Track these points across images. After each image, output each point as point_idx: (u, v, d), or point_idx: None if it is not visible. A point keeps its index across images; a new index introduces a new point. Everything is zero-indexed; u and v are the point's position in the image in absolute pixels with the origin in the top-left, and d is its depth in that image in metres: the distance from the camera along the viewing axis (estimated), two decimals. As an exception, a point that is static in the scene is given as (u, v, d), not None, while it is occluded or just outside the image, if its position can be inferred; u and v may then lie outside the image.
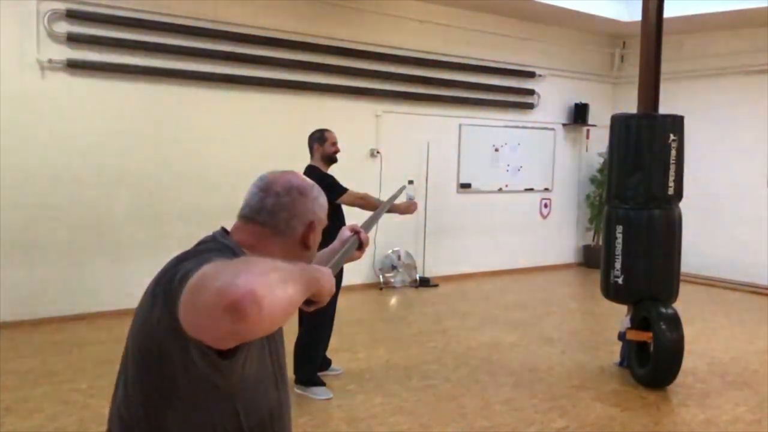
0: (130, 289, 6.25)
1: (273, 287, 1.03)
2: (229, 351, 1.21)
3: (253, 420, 1.37)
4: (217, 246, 1.40)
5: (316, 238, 1.52)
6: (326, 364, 4.83)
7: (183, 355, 1.23)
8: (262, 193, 1.47)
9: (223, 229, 1.48)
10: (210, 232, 1.50)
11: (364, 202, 4.60)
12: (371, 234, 1.96)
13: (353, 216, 3.79)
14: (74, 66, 5.95)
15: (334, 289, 1.33)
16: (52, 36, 5.87)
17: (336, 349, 5.07)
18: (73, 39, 5.94)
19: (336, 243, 1.83)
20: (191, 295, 1.06)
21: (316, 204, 1.51)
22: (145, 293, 1.36)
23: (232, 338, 1.07)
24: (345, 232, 1.83)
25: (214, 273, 1.04)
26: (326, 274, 1.30)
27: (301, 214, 1.47)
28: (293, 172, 1.56)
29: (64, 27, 5.93)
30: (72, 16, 5.92)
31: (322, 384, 4.52)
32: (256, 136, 6.97)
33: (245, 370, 1.32)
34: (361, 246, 1.81)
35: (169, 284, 1.26)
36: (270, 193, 1.46)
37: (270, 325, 1.04)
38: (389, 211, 3.09)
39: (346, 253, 1.70)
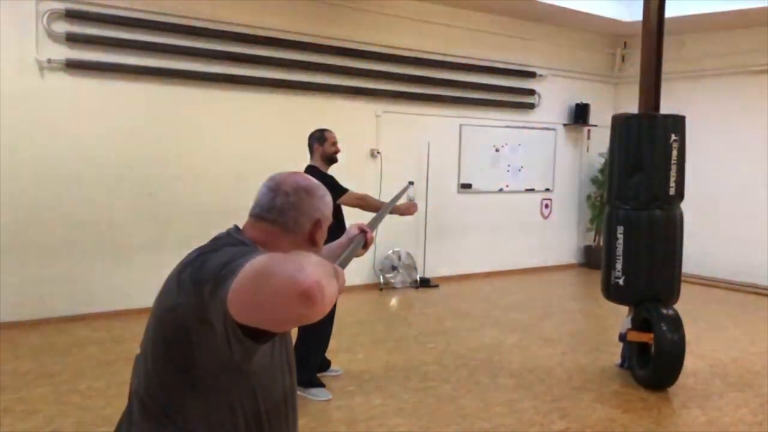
0: (129, 289, 6.29)
1: (328, 279, 1.16)
2: (265, 337, 1.33)
3: (270, 403, 1.49)
4: (233, 241, 1.48)
5: (323, 235, 1.61)
6: (326, 365, 4.82)
7: (207, 340, 1.33)
8: (272, 193, 1.55)
9: (236, 227, 1.56)
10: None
11: (363, 202, 4.59)
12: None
13: (353, 216, 3.77)
14: (73, 66, 5.94)
15: (344, 287, 1.42)
16: (52, 36, 5.86)
17: (335, 350, 5.05)
18: (72, 39, 5.92)
19: (343, 239, 1.97)
20: (254, 282, 1.16)
21: (322, 203, 1.59)
22: (167, 283, 1.46)
23: (296, 322, 1.19)
24: (353, 230, 1.97)
25: (279, 264, 1.15)
26: (342, 272, 1.41)
27: (308, 213, 1.56)
28: (300, 173, 1.65)
29: (63, 27, 5.91)
30: (71, 15, 5.91)
31: (322, 385, 4.50)
32: (256, 136, 6.95)
33: (262, 357, 1.43)
34: (365, 245, 1.95)
35: (198, 273, 1.36)
36: (279, 193, 1.54)
37: (325, 311, 1.16)
38: (390, 212, 3.08)
39: (353, 251, 1.80)
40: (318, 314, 1.15)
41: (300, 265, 1.14)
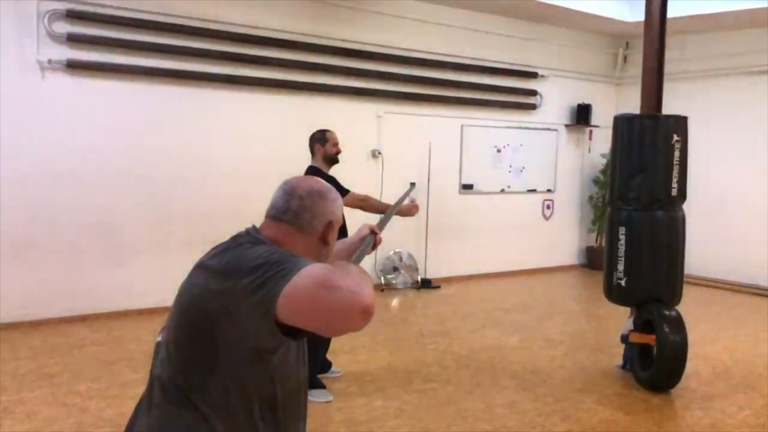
0: (129, 290, 6.29)
1: (374, 292, 1.33)
2: (300, 335, 1.44)
3: (286, 391, 1.58)
4: (253, 240, 1.57)
5: (334, 235, 1.70)
6: (326, 366, 4.81)
7: (231, 329, 1.42)
8: (287, 196, 1.64)
9: (254, 227, 1.66)
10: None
11: (365, 203, 4.58)
12: None
13: (353, 217, 3.75)
14: (74, 66, 5.93)
15: None
16: (52, 36, 5.85)
17: (336, 351, 5.04)
18: (73, 39, 5.91)
19: (355, 237, 2.08)
20: (316, 293, 1.29)
21: (334, 205, 1.69)
22: (192, 274, 1.54)
23: (348, 331, 1.34)
24: (364, 230, 2.08)
25: (340, 278, 1.30)
26: None
27: (321, 215, 1.65)
28: (313, 178, 1.76)
29: (64, 27, 5.91)
30: (72, 16, 5.90)
31: (322, 386, 4.48)
32: (256, 137, 6.94)
33: (283, 349, 1.54)
34: (374, 245, 2.06)
35: (230, 265, 1.45)
36: (294, 196, 1.64)
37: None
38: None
39: (363, 251, 1.93)
40: (365, 325, 1.32)
41: (358, 281, 1.31)
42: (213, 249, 1.57)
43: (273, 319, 1.36)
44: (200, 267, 1.54)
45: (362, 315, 1.28)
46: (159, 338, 1.61)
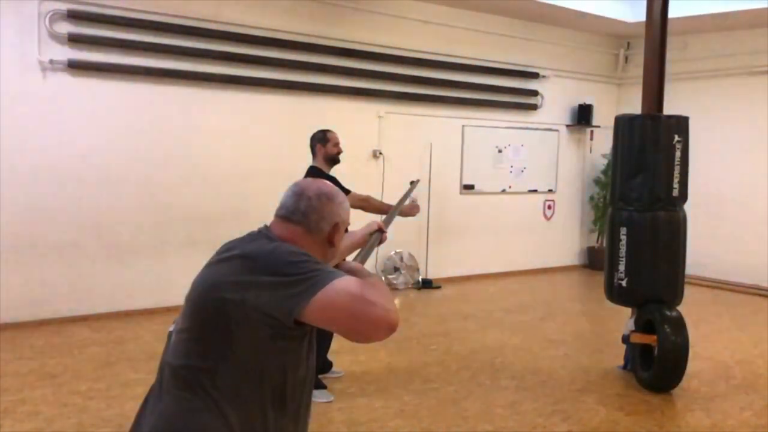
0: (130, 290, 6.29)
1: None
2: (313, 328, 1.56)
3: (294, 378, 1.64)
4: (266, 237, 1.65)
5: (341, 236, 1.77)
6: (327, 366, 4.80)
7: (248, 317, 1.50)
8: (297, 197, 1.71)
9: (266, 225, 1.74)
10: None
11: (366, 203, 4.58)
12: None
13: (354, 217, 3.74)
14: (75, 66, 5.93)
15: None
16: (54, 36, 5.86)
17: (337, 351, 5.03)
18: (74, 39, 5.92)
19: (363, 229, 2.18)
20: (352, 305, 1.44)
21: (341, 208, 1.76)
22: (209, 267, 1.63)
23: (371, 341, 1.49)
24: (372, 225, 2.18)
25: (374, 294, 1.46)
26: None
27: (328, 217, 1.71)
28: (322, 180, 1.83)
29: (65, 27, 5.91)
30: (73, 16, 5.91)
31: (323, 387, 4.48)
32: (257, 137, 6.94)
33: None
34: (379, 243, 2.17)
35: (253, 259, 1.54)
36: (303, 198, 1.71)
37: None
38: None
39: (371, 248, 2.04)
40: (386, 338, 1.48)
41: (389, 298, 1.49)
42: (225, 245, 1.66)
43: (294, 317, 1.46)
44: (217, 261, 1.62)
45: (388, 330, 1.45)
46: (171, 328, 1.67)
